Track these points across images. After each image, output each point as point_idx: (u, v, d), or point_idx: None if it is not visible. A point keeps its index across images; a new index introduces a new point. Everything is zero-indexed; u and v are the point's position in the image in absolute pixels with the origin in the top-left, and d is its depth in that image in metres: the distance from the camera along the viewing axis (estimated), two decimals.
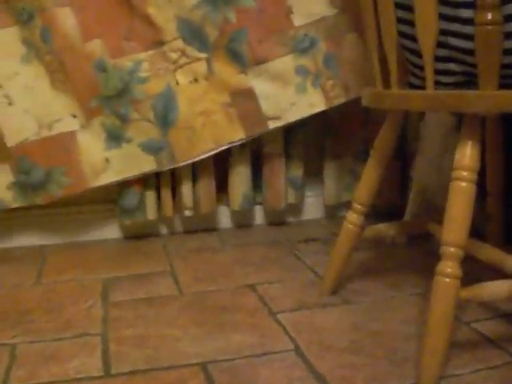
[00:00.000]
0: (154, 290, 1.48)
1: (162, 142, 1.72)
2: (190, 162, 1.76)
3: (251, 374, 1.07)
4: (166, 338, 1.22)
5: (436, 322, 0.99)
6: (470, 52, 1.01)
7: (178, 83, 1.72)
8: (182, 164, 1.76)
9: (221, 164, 1.91)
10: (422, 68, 1.12)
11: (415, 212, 1.73)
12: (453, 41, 1.03)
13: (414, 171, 1.74)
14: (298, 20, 1.74)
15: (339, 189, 2.02)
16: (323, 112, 1.93)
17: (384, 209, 1.96)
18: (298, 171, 1.95)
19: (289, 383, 1.04)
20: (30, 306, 1.40)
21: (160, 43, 1.69)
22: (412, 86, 1.20)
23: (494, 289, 1.02)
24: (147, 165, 1.74)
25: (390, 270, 1.57)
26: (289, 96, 1.76)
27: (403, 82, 1.15)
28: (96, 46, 1.66)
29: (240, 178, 1.87)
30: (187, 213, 1.84)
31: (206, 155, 1.76)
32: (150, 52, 1.69)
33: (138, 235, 1.93)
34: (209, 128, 1.74)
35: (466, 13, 0.99)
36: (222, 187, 1.93)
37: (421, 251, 1.72)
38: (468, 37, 1.00)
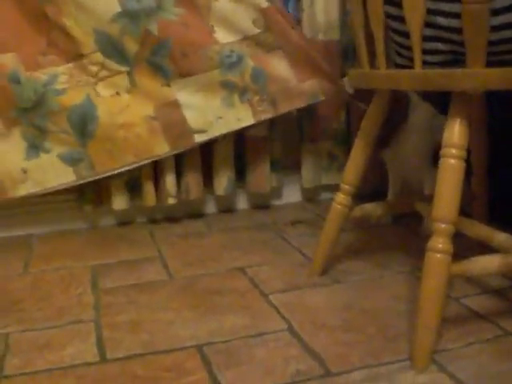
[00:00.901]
0: (143, 275, 1.48)
1: (81, 153, 1.70)
2: (109, 174, 1.74)
3: (247, 354, 1.08)
4: (159, 323, 1.22)
5: (428, 297, 1.01)
6: (457, 30, 1.02)
7: (98, 96, 1.70)
8: (102, 176, 1.73)
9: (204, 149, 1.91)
10: (408, 48, 1.13)
11: (397, 193, 1.74)
12: (440, 20, 1.04)
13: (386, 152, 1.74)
14: (222, 37, 1.73)
15: (317, 172, 2.04)
16: None
17: (367, 191, 1.97)
18: (278, 154, 1.96)
19: (285, 362, 1.05)
20: (20, 296, 1.39)
21: (79, 56, 1.67)
22: (398, 66, 1.22)
23: (484, 264, 1.04)
24: (66, 176, 1.71)
25: (377, 250, 1.59)
26: (215, 110, 1.75)
27: (390, 61, 1.16)
28: (8, 60, 1.64)
29: (225, 163, 1.87)
30: (171, 200, 1.84)
31: (128, 168, 1.74)
32: (70, 65, 1.68)
33: (121, 223, 1.93)
34: (131, 141, 1.71)
35: None
36: (206, 173, 1.93)
37: (405, 231, 1.74)
38: (455, 15, 1.02)
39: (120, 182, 1.81)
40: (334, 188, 2.06)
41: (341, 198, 1.35)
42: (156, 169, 1.84)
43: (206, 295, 1.35)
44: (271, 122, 1.92)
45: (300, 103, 1.80)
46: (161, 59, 1.69)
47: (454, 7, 1.01)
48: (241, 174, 1.96)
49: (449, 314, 1.20)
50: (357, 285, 1.37)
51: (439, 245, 1.01)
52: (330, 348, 1.09)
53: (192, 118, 1.73)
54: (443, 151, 1.03)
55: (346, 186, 1.34)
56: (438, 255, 1.01)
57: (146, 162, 1.75)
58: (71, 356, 1.10)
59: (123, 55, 1.68)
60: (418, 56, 1.03)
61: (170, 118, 1.73)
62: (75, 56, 1.68)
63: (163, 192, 1.83)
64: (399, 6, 1.05)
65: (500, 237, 1.16)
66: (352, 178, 1.33)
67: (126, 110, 1.72)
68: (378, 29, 1.11)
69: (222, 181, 1.89)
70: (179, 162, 1.85)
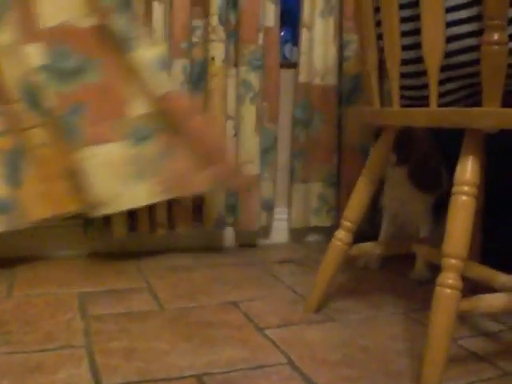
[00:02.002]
0: (133, 305, 1.44)
1: (11, 200, 1.62)
2: (38, 223, 1.67)
3: None
4: (154, 351, 1.18)
5: (437, 332, 1.00)
6: (470, 64, 1.06)
7: (25, 145, 1.64)
8: (32, 224, 1.66)
9: None
10: (416, 88, 1.16)
11: (388, 236, 1.75)
12: (453, 59, 1.08)
13: (384, 199, 1.77)
14: (135, 110, 1.68)
15: (306, 213, 2.04)
16: (293, 136, 1.97)
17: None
18: (269, 193, 1.96)
19: None
20: (5, 318, 1.33)
21: (8, 101, 1.62)
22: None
23: (491, 301, 1.05)
24: None
25: (368, 291, 1.59)
26: (120, 183, 1.66)
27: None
28: None
29: (216, 198, 1.86)
30: (161, 231, 1.81)
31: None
32: (3, 108, 1.62)
33: (106, 253, 1.89)
34: (49, 194, 1.66)
35: (465, 28, 1.04)
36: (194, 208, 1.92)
37: (394, 275, 1.74)
38: (468, 49, 1.05)
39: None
40: (322, 231, 2.09)
41: (341, 235, 1.35)
42: None
43: (199, 327, 1.31)
44: (263, 161, 1.93)
45: (194, 191, 1.76)
46: (74, 121, 1.62)
47: (467, 42, 1.05)
48: (231, 210, 1.95)
49: (448, 354, 1.19)
50: (352, 323, 1.36)
51: (449, 280, 1.01)
52: (334, 383, 1.07)
53: (97, 188, 1.64)
54: (455, 188, 1.04)
55: (347, 223, 1.34)
56: (448, 291, 1.01)
57: (59, 216, 1.68)
58: (64, 381, 1.06)
59: (42, 109, 1.62)
60: (433, 94, 1.06)
61: (77, 183, 1.65)
62: (5, 100, 1.61)
63: (154, 223, 1.81)
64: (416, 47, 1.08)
65: (502, 278, 1.17)
66: (353, 215, 1.33)
67: (45, 164, 1.66)
68: (394, 68, 1.13)
69: (212, 216, 1.87)
70: None
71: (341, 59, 1.97)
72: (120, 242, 1.88)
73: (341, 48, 1.97)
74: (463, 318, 1.39)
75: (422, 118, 1.07)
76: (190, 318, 1.37)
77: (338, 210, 2.04)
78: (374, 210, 1.96)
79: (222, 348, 1.21)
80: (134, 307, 1.42)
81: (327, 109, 1.96)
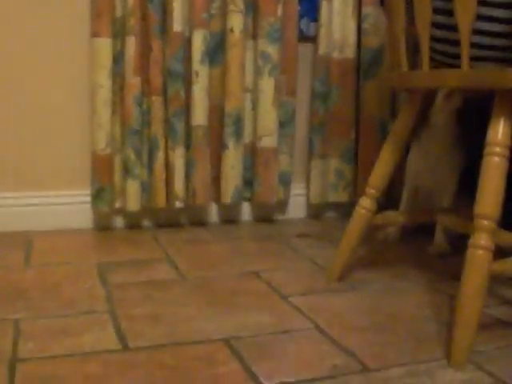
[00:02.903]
0: (154, 274, 1.43)
1: None
2: None
3: (278, 348, 1.04)
4: (180, 317, 1.17)
5: (470, 293, 0.99)
6: (500, 35, 1.04)
7: None
8: None
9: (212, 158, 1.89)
10: (444, 53, 1.15)
11: (409, 206, 1.74)
12: (485, 25, 1.06)
13: (407, 170, 1.75)
14: None
15: (324, 188, 2.02)
16: (311, 110, 1.96)
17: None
18: (287, 167, 1.95)
19: (319, 357, 1.01)
20: (24, 286, 1.32)
21: None
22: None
23: None
24: None
25: (390, 263, 1.58)
26: None
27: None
28: None
29: (233, 172, 1.85)
30: (178, 204, 1.80)
31: None
32: None
33: (115, 227, 1.88)
34: None
35: None
36: (213, 180, 1.91)
37: (414, 247, 1.73)
38: (500, 20, 1.03)
39: (135, 184, 1.77)
40: (339, 207, 2.08)
41: (365, 202, 1.33)
42: (167, 172, 1.81)
43: (223, 294, 1.30)
44: (280, 135, 1.91)
45: None
46: None
47: (497, 12, 1.03)
48: (248, 185, 1.94)
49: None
50: (376, 292, 1.35)
51: (482, 241, 1.00)
52: (364, 347, 1.06)
53: None
54: (487, 149, 1.02)
55: (372, 190, 1.32)
56: (481, 251, 0.99)
57: None
58: (91, 343, 1.05)
59: None
60: (465, 55, 1.04)
61: None
62: None
63: (171, 195, 1.79)
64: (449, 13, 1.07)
65: None
66: (378, 182, 1.32)
67: None
68: (424, 30, 1.11)
69: (229, 189, 1.86)
70: (189, 167, 1.82)
71: (359, 32, 1.95)
72: (135, 215, 1.87)
73: (360, 21, 1.94)
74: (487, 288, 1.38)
75: (454, 79, 1.05)
76: (212, 286, 1.36)
77: (355, 185, 2.03)
78: (392, 185, 1.95)
79: (247, 314, 1.20)
80: (155, 276, 1.41)
81: (345, 82, 1.94)
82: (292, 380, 0.94)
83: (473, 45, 1.09)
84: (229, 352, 1.03)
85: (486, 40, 1.08)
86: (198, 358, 1.00)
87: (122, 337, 1.08)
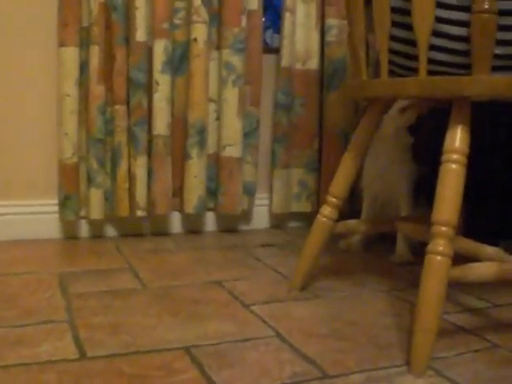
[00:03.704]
0: (115, 283, 1.41)
1: None
2: None
3: (238, 356, 1.04)
4: (140, 326, 1.16)
5: (429, 299, 1.00)
6: (461, 39, 1.06)
7: None
8: None
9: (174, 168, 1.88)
10: (406, 56, 1.16)
11: (369, 218, 1.76)
12: (445, 28, 1.08)
13: (364, 180, 1.77)
14: None
15: (287, 198, 2.03)
16: (275, 120, 1.96)
17: None
18: (252, 177, 1.95)
19: (279, 365, 1.01)
20: None
21: None
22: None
23: (482, 270, 1.05)
24: None
25: (352, 272, 1.58)
26: None
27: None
28: None
29: (196, 182, 1.84)
30: (140, 213, 1.78)
31: None
32: None
33: (81, 236, 1.85)
34: None
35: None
36: (174, 192, 1.90)
37: (376, 256, 1.74)
38: (460, 23, 1.05)
39: (98, 192, 1.75)
40: (303, 217, 2.08)
41: (326, 211, 1.34)
42: (130, 181, 1.79)
43: (185, 304, 1.29)
44: (244, 145, 1.92)
45: None
46: None
47: (458, 15, 1.05)
48: (212, 195, 1.93)
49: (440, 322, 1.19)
50: (338, 300, 1.35)
51: (440, 247, 1.01)
52: (324, 354, 1.06)
53: None
54: (444, 156, 1.04)
55: (333, 199, 1.33)
56: (439, 258, 1.00)
57: None
58: (48, 352, 1.03)
59: None
60: (423, 63, 1.06)
61: None
62: None
63: (134, 204, 1.78)
64: (407, 13, 1.08)
65: (489, 250, 1.18)
66: (339, 190, 1.32)
67: None
68: (383, 38, 1.13)
69: (192, 199, 1.85)
70: (150, 176, 1.81)
71: (323, 44, 1.97)
72: (98, 225, 1.85)
73: (323, 33, 1.97)
74: (446, 295, 1.39)
75: (412, 86, 1.07)
76: (174, 295, 1.34)
77: (318, 195, 2.04)
78: (352, 194, 1.97)
79: (209, 322, 1.19)
80: (117, 286, 1.40)
81: (309, 94, 1.96)
82: None
83: (432, 47, 1.11)
84: (189, 360, 1.02)
85: (445, 43, 1.09)
86: (157, 367, 0.99)
87: (80, 346, 1.06)
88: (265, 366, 1.01)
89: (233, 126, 1.86)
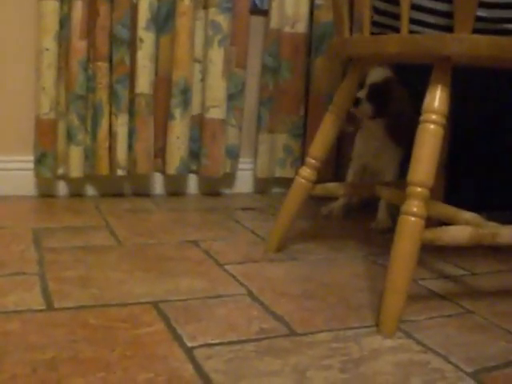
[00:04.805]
0: (90, 240, 1.40)
1: None
2: None
3: (207, 312, 1.03)
4: (110, 280, 1.15)
5: (400, 260, 0.99)
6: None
7: None
8: None
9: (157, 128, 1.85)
10: (388, 14, 1.14)
11: (355, 178, 1.75)
12: None
13: (354, 150, 1.76)
14: None
15: (271, 163, 2.01)
16: (261, 84, 1.94)
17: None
18: (235, 140, 1.93)
19: (247, 321, 1.00)
20: None
21: None
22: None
23: (456, 233, 1.03)
24: None
25: (330, 237, 1.57)
26: None
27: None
28: None
29: (179, 142, 1.82)
30: (120, 172, 1.76)
31: None
32: None
33: (59, 195, 1.83)
34: None
35: None
36: (156, 152, 1.87)
37: (356, 223, 1.73)
38: None
39: (78, 150, 1.73)
40: (287, 182, 2.07)
41: (305, 172, 1.32)
42: (111, 139, 1.77)
43: (158, 261, 1.28)
44: (230, 106, 1.89)
45: None
46: None
47: None
48: (195, 157, 1.91)
49: (409, 292, 1.18)
50: (314, 262, 1.34)
51: (414, 208, 0.99)
52: (293, 312, 1.05)
53: None
54: (423, 116, 1.02)
55: (312, 160, 1.31)
56: (412, 218, 0.99)
57: None
58: (14, 303, 1.01)
59: None
60: (405, 20, 1.03)
61: None
62: None
63: (114, 163, 1.75)
64: None
65: (466, 215, 1.17)
66: (319, 152, 1.30)
67: None
68: None
69: (174, 160, 1.83)
70: (131, 136, 1.78)
71: (312, 7, 1.94)
72: (77, 183, 1.83)
73: None
74: (423, 262, 1.39)
75: (393, 44, 1.04)
76: (148, 252, 1.33)
77: (302, 161, 2.02)
78: (337, 164, 1.96)
79: (180, 279, 1.18)
80: (91, 242, 1.38)
81: (296, 58, 1.93)
82: (216, 341, 0.92)
83: (413, 7, 1.08)
84: (156, 314, 1.00)
85: (428, 3, 1.07)
86: (122, 320, 0.98)
87: (47, 297, 1.05)
88: (232, 321, 1.00)
89: (217, 87, 1.83)
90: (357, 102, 1.59)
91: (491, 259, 1.46)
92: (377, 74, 1.61)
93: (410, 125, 1.57)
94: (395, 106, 1.59)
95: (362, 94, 1.59)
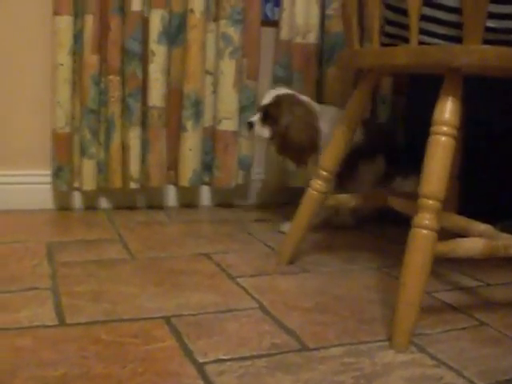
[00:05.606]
0: (103, 253, 1.40)
1: None
2: None
3: (218, 327, 1.03)
4: (122, 295, 1.15)
5: (412, 273, 0.98)
6: (455, 10, 1.03)
7: None
8: None
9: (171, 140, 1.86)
10: (399, 25, 1.14)
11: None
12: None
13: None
14: None
15: (284, 174, 2.01)
16: None
17: None
18: (248, 151, 1.93)
19: (259, 336, 1.00)
20: None
21: None
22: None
23: (469, 245, 1.02)
24: None
25: (343, 248, 1.57)
26: None
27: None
28: None
29: (192, 154, 1.82)
30: (133, 185, 1.77)
31: None
32: None
33: (74, 207, 1.85)
34: None
35: None
36: (169, 165, 1.88)
37: (369, 234, 1.72)
38: None
39: (91, 163, 1.74)
40: (298, 192, 2.06)
41: (317, 185, 1.32)
42: (124, 152, 1.78)
43: (170, 274, 1.28)
44: (241, 119, 1.89)
45: None
46: None
47: None
48: (208, 169, 1.91)
49: (423, 305, 1.17)
50: (326, 275, 1.33)
51: (426, 221, 0.98)
52: (305, 326, 1.05)
53: None
54: (433, 128, 1.01)
55: (324, 172, 1.31)
56: (424, 231, 0.98)
57: None
58: (28, 318, 1.02)
59: None
60: (414, 31, 1.03)
61: None
62: None
63: (127, 176, 1.76)
64: None
65: (480, 227, 1.15)
66: (330, 164, 1.30)
67: None
68: (374, 6, 1.10)
69: (187, 172, 1.83)
70: (144, 148, 1.79)
71: (323, 18, 1.93)
72: (91, 196, 1.84)
73: (323, 6, 1.93)
74: (437, 274, 1.38)
75: (402, 55, 1.04)
76: (160, 266, 1.33)
77: None
78: None
79: (192, 293, 1.18)
80: (104, 255, 1.39)
81: (307, 68, 1.93)
82: (228, 357, 0.92)
83: (424, 17, 1.07)
84: (167, 329, 1.00)
85: (437, 14, 1.07)
86: (134, 335, 0.98)
87: (60, 312, 1.05)
88: (244, 336, 0.99)
89: (229, 98, 1.83)
90: (249, 125, 1.61)
91: (506, 270, 1.44)
92: (269, 96, 1.61)
93: (302, 142, 1.57)
94: (282, 124, 1.58)
95: (255, 117, 1.61)
